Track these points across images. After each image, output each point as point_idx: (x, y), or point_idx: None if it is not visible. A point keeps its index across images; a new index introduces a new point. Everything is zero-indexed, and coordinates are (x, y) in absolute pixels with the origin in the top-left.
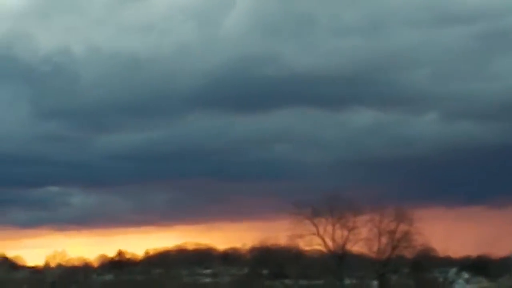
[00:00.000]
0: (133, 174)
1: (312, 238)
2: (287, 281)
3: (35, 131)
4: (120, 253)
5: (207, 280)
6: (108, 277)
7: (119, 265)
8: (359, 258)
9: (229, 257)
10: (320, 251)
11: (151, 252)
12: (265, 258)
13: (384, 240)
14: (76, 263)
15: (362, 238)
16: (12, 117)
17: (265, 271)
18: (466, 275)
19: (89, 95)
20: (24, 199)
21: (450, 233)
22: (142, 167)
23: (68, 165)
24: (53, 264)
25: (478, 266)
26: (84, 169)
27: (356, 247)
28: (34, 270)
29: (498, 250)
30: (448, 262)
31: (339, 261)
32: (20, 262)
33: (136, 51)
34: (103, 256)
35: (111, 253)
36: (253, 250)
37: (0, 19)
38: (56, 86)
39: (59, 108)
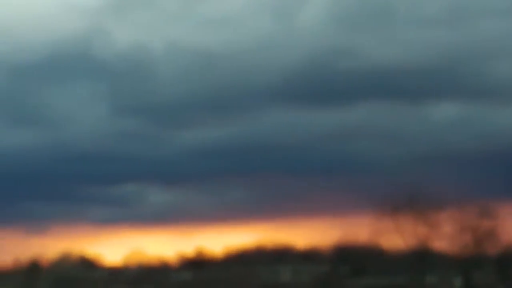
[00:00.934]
0: (211, 170)
1: (393, 235)
2: (367, 279)
3: (113, 128)
4: (198, 251)
5: (287, 278)
6: (187, 275)
7: (197, 263)
8: (441, 255)
9: (309, 255)
10: (401, 248)
11: (230, 250)
12: (345, 255)
13: (467, 236)
14: (154, 261)
15: (444, 234)
16: (90, 114)
17: (345, 269)
18: None
19: (166, 92)
20: (103, 197)
21: None
22: (220, 163)
23: (146, 162)
24: (131, 262)
25: None
26: (162, 166)
27: (438, 244)
28: (112, 268)
29: None
30: None
31: (420, 258)
32: (98, 261)
33: (213, 46)
34: (181, 254)
35: (190, 250)
36: (333, 247)
37: (77, 16)
38: (134, 83)
39: (137, 105)
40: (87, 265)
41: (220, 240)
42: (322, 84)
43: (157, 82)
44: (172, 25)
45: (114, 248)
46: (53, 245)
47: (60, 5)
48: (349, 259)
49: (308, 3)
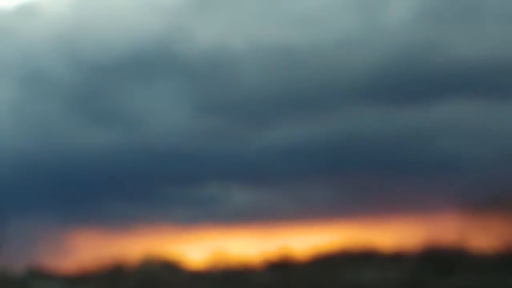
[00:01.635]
0: (295, 169)
1: (481, 235)
2: (454, 280)
3: (196, 127)
4: (282, 252)
5: (372, 280)
6: (270, 276)
7: (281, 265)
8: None
9: (394, 255)
10: (489, 248)
11: (314, 251)
12: (432, 255)
13: None
14: (237, 262)
15: None
16: (173, 113)
17: (431, 269)
18: None
19: (249, 90)
20: (185, 197)
21: None
22: (303, 162)
23: (229, 161)
24: (214, 264)
25: None
26: (245, 165)
27: None
28: (194, 271)
29: None
30: None
31: (509, 258)
32: (181, 263)
33: (296, 43)
34: (265, 255)
35: (273, 251)
36: (419, 247)
37: (158, 15)
38: (216, 81)
39: (220, 104)
40: (170, 267)
41: (304, 241)
42: (407, 81)
43: (240, 80)
44: (255, 22)
45: (196, 249)
46: (135, 247)
47: (142, 3)
48: (435, 259)
49: None
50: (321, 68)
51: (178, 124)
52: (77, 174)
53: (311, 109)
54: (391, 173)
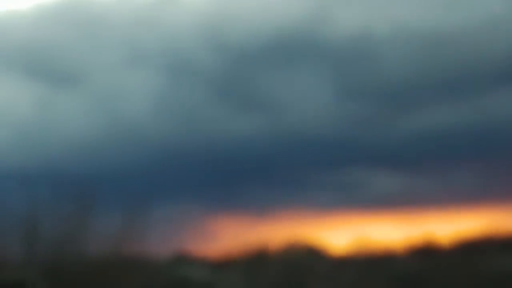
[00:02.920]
0: (438, 154)
1: None
2: None
3: (339, 112)
4: (426, 238)
5: None
6: (413, 263)
7: (424, 251)
8: None
9: None
10: None
11: (458, 237)
12: None
13: None
14: (380, 248)
15: None
16: (317, 99)
17: None
18: None
19: (393, 75)
20: (327, 182)
21: None
22: (447, 146)
23: (371, 146)
24: (356, 248)
25: None
26: (387, 150)
27: None
28: (337, 256)
29: None
30: None
31: None
32: (324, 248)
33: (441, 26)
34: (408, 241)
35: (417, 237)
36: None
37: (302, 2)
38: (360, 67)
39: (363, 89)
40: (313, 253)
41: (449, 227)
42: None
43: (384, 65)
44: (399, 8)
45: (339, 234)
46: (278, 232)
47: None
48: None
49: None
50: (465, 52)
51: (321, 110)
52: (221, 161)
53: (455, 94)
54: None
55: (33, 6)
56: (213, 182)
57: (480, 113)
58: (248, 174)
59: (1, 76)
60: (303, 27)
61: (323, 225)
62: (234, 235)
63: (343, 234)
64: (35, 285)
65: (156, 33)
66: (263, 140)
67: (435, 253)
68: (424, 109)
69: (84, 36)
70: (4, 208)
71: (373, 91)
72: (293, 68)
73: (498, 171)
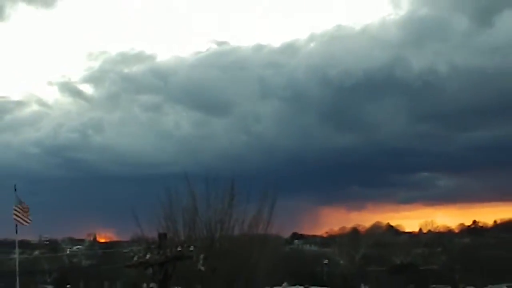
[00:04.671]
0: (487, 162)
1: None
2: None
3: (411, 131)
4: (474, 222)
5: None
6: (466, 240)
7: (474, 231)
8: None
9: None
10: None
11: (500, 221)
12: None
13: None
14: (442, 229)
15: None
16: (395, 122)
17: None
18: None
19: (452, 103)
20: (404, 182)
21: None
22: (490, 156)
23: (436, 156)
24: (424, 230)
25: None
26: (448, 159)
27: None
28: (411, 235)
29: None
30: None
31: None
32: (400, 229)
33: (486, 67)
34: (461, 224)
35: (468, 222)
36: None
37: (384, 48)
38: (427, 98)
39: (430, 113)
40: (393, 232)
41: (492, 215)
42: None
43: (444, 96)
44: (455, 52)
45: (412, 220)
46: (368, 218)
47: (372, 41)
48: None
49: None
50: (504, 86)
51: (398, 130)
52: (325, 166)
53: (495, 118)
54: None
55: (192, 53)
56: (321, 182)
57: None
58: (345, 176)
59: (169, 106)
60: (385, 68)
61: (401, 213)
62: (336, 220)
63: (415, 219)
64: (196, 257)
65: (280, 73)
66: (356, 152)
67: (480, 232)
68: (475, 129)
69: (229, 76)
70: (172, 201)
71: (436, 114)
72: (377, 99)
73: None
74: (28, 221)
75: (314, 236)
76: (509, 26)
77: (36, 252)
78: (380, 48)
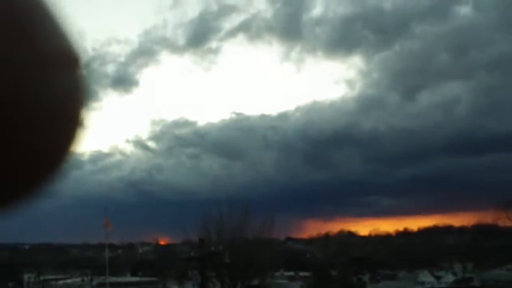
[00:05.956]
0: (412, 188)
1: None
2: None
3: (364, 168)
4: (405, 229)
5: None
6: (400, 240)
7: (405, 234)
8: None
9: None
10: None
11: (423, 228)
12: None
13: None
14: (384, 234)
15: None
16: (353, 163)
17: None
18: None
19: (388, 150)
20: (359, 202)
21: None
22: (414, 183)
23: (379, 185)
24: (373, 234)
25: None
26: (387, 187)
27: None
28: (364, 237)
29: None
30: None
31: None
32: (357, 234)
33: (409, 126)
34: (397, 230)
35: (401, 228)
36: None
37: (340, 112)
38: (373, 146)
39: (375, 157)
40: (352, 236)
41: (417, 224)
42: None
43: (384, 145)
44: (393, 115)
45: (364, 227)
46: (336, 226)
47: (336, 110)
48: None
49: None
50: (423, 139)
51: (354, 168)
52: (308, 192)
53: (417, 160)
54: None
55: (219, 120)
56: (304, 202)
57: (432, 171)
58: (320, 199)
59: (205, 155)
60: (345, 128)
61: (357, 224)
62: (314, 227)
63: (366, 227)
64: (222, 255)
65: (277, 133)
66: (327, 183)
67: (410, 235)
68: (402, 167)
69: (244, 135)
70: (207, 216)
71: (379, 158)
72: (340, 148)
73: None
74: (111, 228)
75: (301, 238)
76: (426, 100)
77: (119, 251)
78: (342, 116)
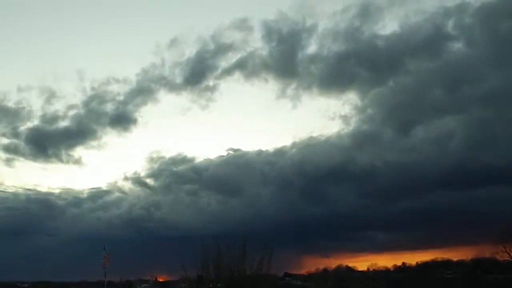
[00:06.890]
0: (409, 223)
1: None
2: None
3: (360, 203)
4: (403, 263)
5: None
6: (398, 275)
7: (403, 269)
8: None
9: None
10: None
11: (420, 262)
12: None
13: None
14: (382, 268)
15: None
16: (349, 198)
17: None
18: None
19: (384, 185)
20: (356, 238)
21: None
22: (415, 218)
23: (376, 219)
24: (371, 269)
25: None
26: (384, 222)
27: None
28: (362, 272)
29: None
30: None
31: None
32: (355, 269)
33: (403, 161)
34: (394, 265)
35: (399, 263)
36: None
37: (340, 151)
38: (368, 181)
39: (371, 192)
40: (350, 271)
41: (415, 259)
42: None
43: (380, 180)
44: (389, 152)
45: (362, 263)
46: (333, 262)
47: (331, 146)
48: None
49: None
50: (417, 173)
51: (351, 203)
52: (305, 227)
53: (412, 194)
54: None
55: (217, 156)
56: (301, 238)
57: (427, 204)
58: (317, 234)
59: (203, 192)
60: (341, 164)
61: (354, 258)
62: (312, 263)
63: (364, 262)
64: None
65: (274, 169)
66: (323, 218)
67: (408, 270)
68: (399, 201)
69: (241, 171)
70: (205, 252)
71: (375, 193)
72: (336, 183)
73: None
74: (107, 263)
75: (299, 274)
76: (420, 135)
77: None
78: (337, 151)
